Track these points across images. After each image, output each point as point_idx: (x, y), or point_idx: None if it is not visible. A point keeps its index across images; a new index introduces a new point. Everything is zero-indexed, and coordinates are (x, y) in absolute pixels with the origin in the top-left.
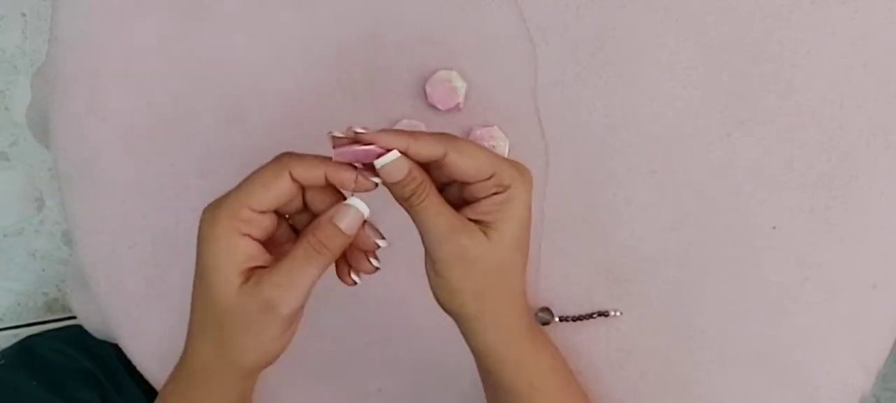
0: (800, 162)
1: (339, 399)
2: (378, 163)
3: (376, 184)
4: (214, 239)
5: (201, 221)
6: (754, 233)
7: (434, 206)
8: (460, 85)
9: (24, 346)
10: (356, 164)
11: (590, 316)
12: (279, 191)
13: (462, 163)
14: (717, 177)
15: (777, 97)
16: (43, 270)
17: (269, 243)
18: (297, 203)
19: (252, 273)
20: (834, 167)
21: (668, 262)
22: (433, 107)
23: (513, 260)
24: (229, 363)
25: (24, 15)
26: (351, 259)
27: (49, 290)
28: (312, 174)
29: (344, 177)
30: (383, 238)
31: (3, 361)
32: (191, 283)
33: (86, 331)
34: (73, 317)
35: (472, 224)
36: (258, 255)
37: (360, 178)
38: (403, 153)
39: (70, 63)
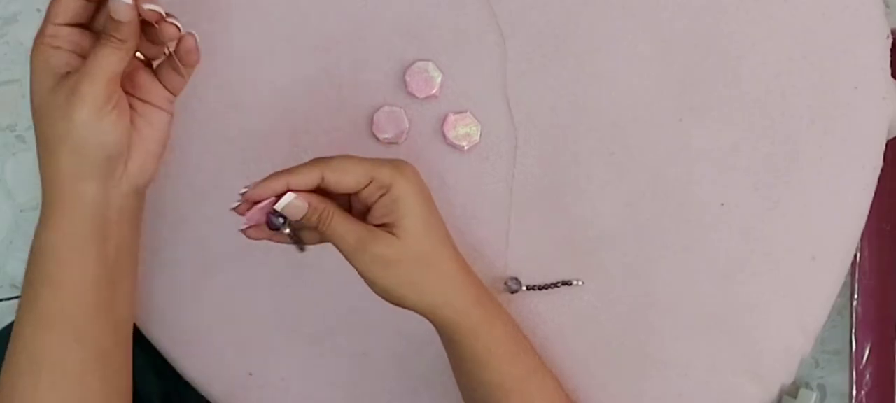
0: (746, 144)
1: (327, 363)
2: (278, 207)
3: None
4: (32, 57)
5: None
6: (704, 210)
7: (341, 226)
8: (436, 74)
9: None
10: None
11: (555, 284)
12: (66, 4)
13: (338, 180)
14: (670, 159)
15: (725, 86)
16: None
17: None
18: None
19: (67, 75)
20: (777, 150)
21: (626, 236)
22: (412, 95)
23: (429, 247)
24: (55, 158)
25: (39, 11)
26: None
27: None
28: None
29: None
30: (165, 15)
31: None
32: (192, 256)
33: None
34: None
35: (378, 230)
36: (72, 62)
37: None
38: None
39: None
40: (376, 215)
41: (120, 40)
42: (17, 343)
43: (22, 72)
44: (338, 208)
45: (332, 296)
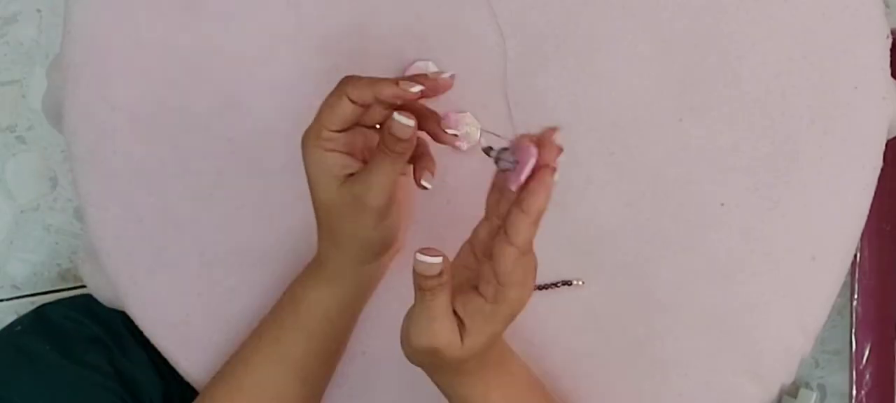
0: (746, 144)
1: None
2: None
3: (418, 92)
4: (307, 158)
5: (301, 147)
6: (704, 210)
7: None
8: None
9: (38, 313)
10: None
11: (555, 284)
12: (342, 112)
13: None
14: (670, 159)
15: (725, 86)
16: (57, 243)
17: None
18: (375, 116)
19: (348, 178)
20: (777, 150)
21: (626, 236)
22: None
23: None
24: (341, 250)
25: (39, 11)
26: (418, 165)
27: (62, 262)
28: (365, 95)
29: (388, 92)
30: (456, 135)
31: (19, 327)
32: (192, 257)
33: (95, 299)
34: (84, 286)
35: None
36: (350, 164)
37: (402, 88)
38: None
39: (81, 55)
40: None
41: (399, 153)
42: (242, 367)
43: (22, 72)
44: None
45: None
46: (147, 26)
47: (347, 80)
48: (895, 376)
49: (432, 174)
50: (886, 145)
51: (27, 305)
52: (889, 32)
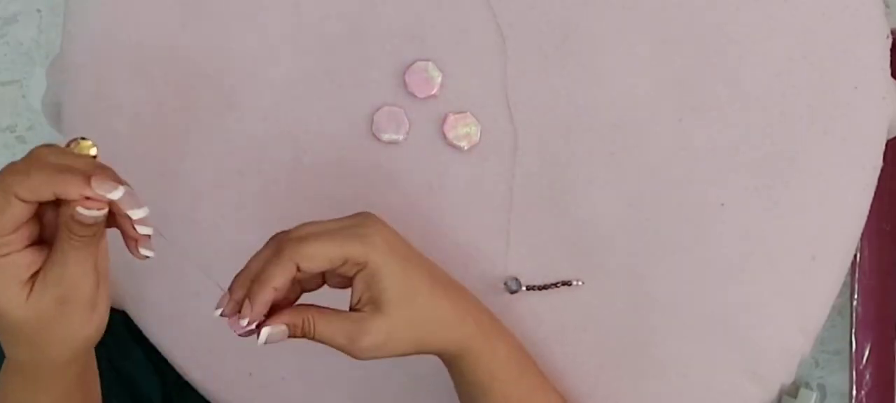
0: (746, 145)
1: (327, 363)
2: (260, 343)
3: (113, 199)
4: None
5: None
6: (704, 210)
7: (326, 330)
8: (436, 74)
9: None
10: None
11: (554, 285)
12: (13, 215)
13: (314, 267)
14: (670, 159)
15: (725, 86)
16: None
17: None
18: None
19: (35, 277)
20: (777, 150)
21: (626, 236)
22: (411, 94)
23: (416, 308)
24: (46, 359)
25: (39, 11)
26: (127, 235)
27: None
28: (40, 193)
29: (70, 190)
30: (144, 216)
31: None
32: (193, 256)
33: None
34: None
35: (363, 317)
36: (34, 260)
37: (94, 190)
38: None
39: (81, 55)
40: (358, 289)
41: (90, 236)
42: None
43: (22, 72)
44: (316, 310)
45: (331, 296)
46: (147, 26)
47: (12, 175)
48: (895, 376)
49: (150, 238)
50: (886, 145)
51: None
52: (889, 32)
